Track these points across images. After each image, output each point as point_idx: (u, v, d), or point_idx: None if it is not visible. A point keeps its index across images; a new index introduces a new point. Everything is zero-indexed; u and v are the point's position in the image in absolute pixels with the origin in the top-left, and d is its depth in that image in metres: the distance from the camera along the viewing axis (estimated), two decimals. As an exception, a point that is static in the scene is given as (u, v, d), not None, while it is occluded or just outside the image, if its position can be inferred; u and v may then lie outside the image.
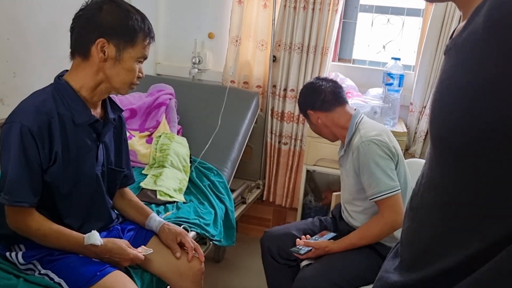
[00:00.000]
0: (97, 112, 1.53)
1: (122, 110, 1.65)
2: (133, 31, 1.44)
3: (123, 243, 1.50)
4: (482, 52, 0.59)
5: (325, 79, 1.96)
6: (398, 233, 1.76)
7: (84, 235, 1.44)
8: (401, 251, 0.80)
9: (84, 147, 1.47)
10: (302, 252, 1.74)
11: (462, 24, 0.68)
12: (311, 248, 1.75)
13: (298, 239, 1.82)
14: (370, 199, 1.73)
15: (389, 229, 1.73)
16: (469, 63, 0.61)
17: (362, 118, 1.87)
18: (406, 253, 0.78)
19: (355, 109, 1.91)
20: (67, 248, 1.44)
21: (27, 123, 1.35)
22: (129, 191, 1.78)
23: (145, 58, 1.51)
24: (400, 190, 1.71)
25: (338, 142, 2.02)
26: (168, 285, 1.64)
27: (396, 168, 1.76)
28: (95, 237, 1.44)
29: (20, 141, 1.34)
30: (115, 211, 1.72)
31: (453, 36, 0.69)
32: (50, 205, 1.46)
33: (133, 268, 1.58)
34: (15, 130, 1.34)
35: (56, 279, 1.39)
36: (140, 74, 1.50)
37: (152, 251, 1.57)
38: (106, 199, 1.59)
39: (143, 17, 1.49)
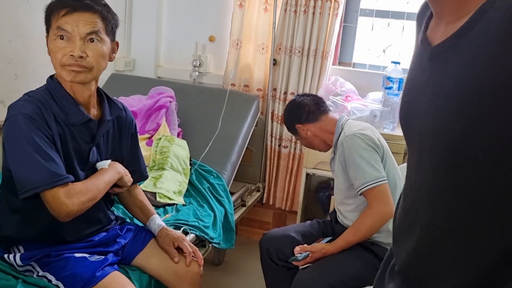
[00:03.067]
0: (93, 113, 1.50)
1: (121, 110, 1.60)
2: (48, 12, 1.40)
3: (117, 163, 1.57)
4: (502, 52, 0.56)
5: (305, 95, 2.09)
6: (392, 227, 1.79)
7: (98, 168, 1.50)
8: (404, 270, 0.76)
9: (76, 147, 1.45)
10: (300, 258, 1.75)
11: (453, 25, 0.64)
12: (308, 253, 1.75)
13: (296, 248, 1.82)
14: (357, 192, 1.76)
15: (380, 220, 1.73)
16: (483, 63, 0.58)
17: (347, 120, 1.93)
18: (412, 274, 0.73)
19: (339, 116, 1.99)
20: (111, 181, 1.49)
21: (26, 111, 1.34)
22: (137, 188, 1.76)
23: (63, 30, 1.35)
24: (386, 181, 1.74)
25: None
26: (167, 287, 1.65)
27: (382, 162, 1.78)
28: (103, 163, 1.51)
29: (27, 127, 1.32)
30: (115, 213, 1.72)
31: (444, 40, 0.65)
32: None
33: (132, 270, 1.59)
34: (18, 120, 1.32)
35: (54, 281, 1.39)
36: (72, 52, 1.35)
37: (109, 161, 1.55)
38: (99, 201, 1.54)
39: None
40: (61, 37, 1.36)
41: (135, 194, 1.74)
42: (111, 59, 1.48)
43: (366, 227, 1.74)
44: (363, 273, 1.70)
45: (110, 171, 1.50)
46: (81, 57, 1.36)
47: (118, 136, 1.61)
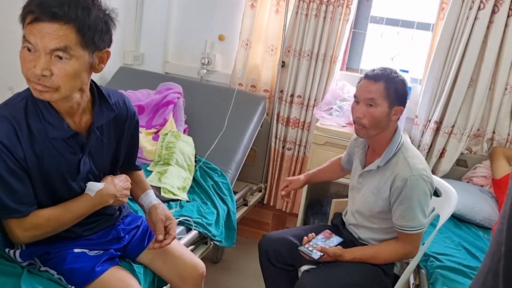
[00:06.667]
0: (80, 121, 1.36)
1: (114, 111, 1.42)
2: (21, 14, 1.18)
3: (114, 181, 1.45)
4: None
5: None
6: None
7: (86, 192, 1.39)
8: None
9: (61, 161, 1.33)
10: (315, 257, 1.70)
11: None
12: (323, 253, 1.71)
13: (305, 237, 1.79)
14: (396, 228, 1.70)
15: (401, 258, 1.76)
16: None
17: (403, 139, 1.76)
18: None
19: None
20: (86, 213, 1.39)
21: None
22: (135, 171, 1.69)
23: (27, 41, 1.15)
24: (425, 228, 1.71)
25: (340, 150, 2.02)
26: (168, 283, 1.65)
27: None
28: (94, 185, 1.40)
29: None
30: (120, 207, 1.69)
31: None
32: None
33: (136, 264, 1.59)
34: None
35: (56, 275, 1.39)
36: (34, 69, 1.15)
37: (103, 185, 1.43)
38: None
39: None
40: (28, 49, 1.16)
41: (130, 172, 1.66)
42: (96, 71, 1.29)
43: (386, 258, 1.74)
44: (367, 283, 1.70)
45: (93, 202, 1.39)
46: (44, 75, 1.16)
47: (117, 136, 1.49)
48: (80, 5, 1.17)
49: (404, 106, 1.73)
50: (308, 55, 2.74)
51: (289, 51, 2.82)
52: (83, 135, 1.36)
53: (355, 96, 1.75)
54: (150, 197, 1.59)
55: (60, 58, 1.16)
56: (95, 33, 1.20)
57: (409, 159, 1.69)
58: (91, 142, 1.38)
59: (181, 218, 1.95)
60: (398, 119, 1.75)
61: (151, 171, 2.27)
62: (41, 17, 1.13)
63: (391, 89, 1.68)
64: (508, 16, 2.41)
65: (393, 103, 1.69)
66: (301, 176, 2.08)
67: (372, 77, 1.70)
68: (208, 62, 3.03)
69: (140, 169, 1.71)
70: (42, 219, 1.31)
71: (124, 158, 1.58)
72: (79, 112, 1.34)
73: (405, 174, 1.66)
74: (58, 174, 1.34)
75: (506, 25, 2.42)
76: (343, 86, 2.73)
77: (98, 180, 1.45)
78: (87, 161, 1.39)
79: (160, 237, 1.47)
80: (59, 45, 1.15)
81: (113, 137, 1.48)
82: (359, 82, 1.76)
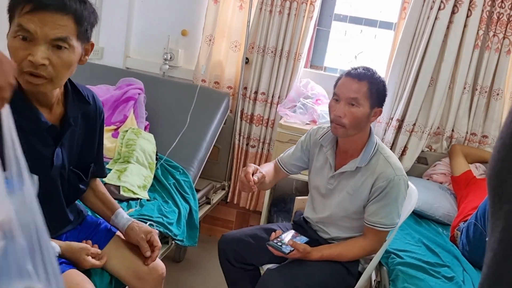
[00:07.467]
0: (55, 112, 1.35)
1: (88, 103, 1.43)
2: (12, 2, 1.18)
3: (82, 252, 1.42)
4: None
5: None
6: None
7: None
8: None
9: (35, 154, 1.29)
10: (285, 251, 1.67)
11: None
12: (293, 248, 1.68)
13: (273, 232, 1.76)
14: (367, 224, 1.71)
15: (367, 254, 1.76)
16: None
17: (378, 139, 1.77)
18: None
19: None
20: None
21: None
22: (96, 180, 1.64)
23: (25, 30, 1.14)
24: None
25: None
26: (127, 286, 1.60)
27: None
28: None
29: None
30: (78, 209, 1.62)
31: None
32: None
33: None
34: None
35: None
36: (31, 58, 1.14)
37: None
38: (62, 201, 1.45)
39: None
40: (24, 38, 1.15)
41: (94, 186, 1.62)
42: (82, 62, 1.31)
43: (352, 256, 1.74)
44: (330, 281, 1.69)
45: None
46: (43, 64, 1.16)
47: (85, 132, 1.47)
48: None
49: (382, 108, 1.73)
50: (272, 51, 2.72)
51: (253, 48, 2.79)
52: (57, 127, 1.35)
53: (335, 94, 1.71)
54: (122, 219, 1.57)
55: (59, 48, 1.18)
56: (88, 25, 1.25)
57: (389, 159, 1.71)
58: (66, 132, 1.36)
59: (142, 218, 1.90)
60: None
61: (110, 169, 2.20)
62: (42, 6, 1.14)
63: (373, 89, 1.66)
64: (467, 17, 2.47)
65: (373, 104, 1.67)
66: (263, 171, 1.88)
67: (355, 75, 1.67)
68: (170, 58, 2.96)
69: (105, 176, 1.68)
70: None
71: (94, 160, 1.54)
72: (55, 103, 1.33)
73: (389, 174, 1.67)
74: (33, 169, 1.28)
75: (465, 26, 2.48)
76: (306, 84, 2.72)
77: (63, 178, 1.41)
78: (60, 154, 1.37)
79: (148, 253, 1.53)
80: (61, 34, 1.17)
81: (83, 131, 1.46)
82: (339, 79, 1.73)
